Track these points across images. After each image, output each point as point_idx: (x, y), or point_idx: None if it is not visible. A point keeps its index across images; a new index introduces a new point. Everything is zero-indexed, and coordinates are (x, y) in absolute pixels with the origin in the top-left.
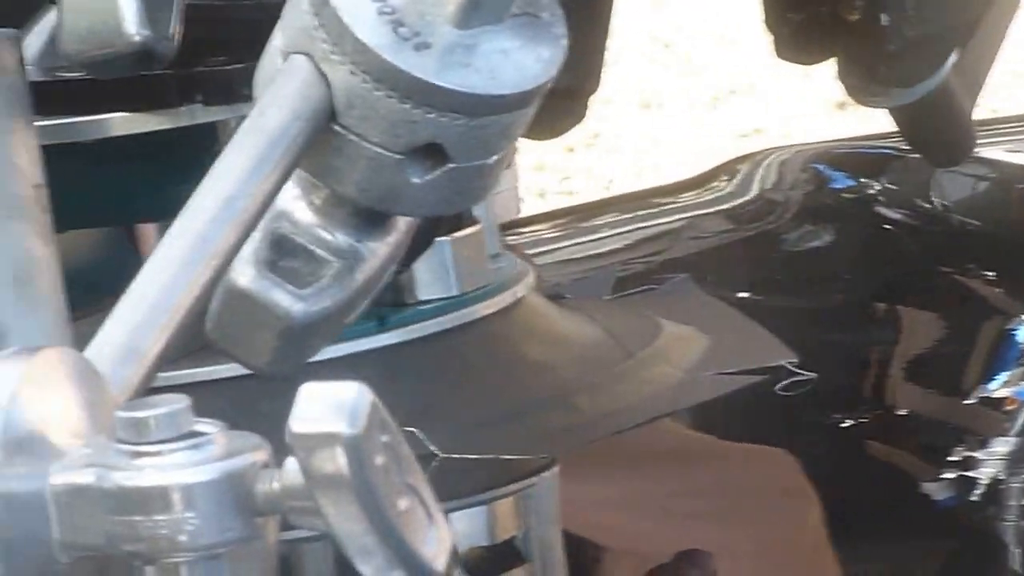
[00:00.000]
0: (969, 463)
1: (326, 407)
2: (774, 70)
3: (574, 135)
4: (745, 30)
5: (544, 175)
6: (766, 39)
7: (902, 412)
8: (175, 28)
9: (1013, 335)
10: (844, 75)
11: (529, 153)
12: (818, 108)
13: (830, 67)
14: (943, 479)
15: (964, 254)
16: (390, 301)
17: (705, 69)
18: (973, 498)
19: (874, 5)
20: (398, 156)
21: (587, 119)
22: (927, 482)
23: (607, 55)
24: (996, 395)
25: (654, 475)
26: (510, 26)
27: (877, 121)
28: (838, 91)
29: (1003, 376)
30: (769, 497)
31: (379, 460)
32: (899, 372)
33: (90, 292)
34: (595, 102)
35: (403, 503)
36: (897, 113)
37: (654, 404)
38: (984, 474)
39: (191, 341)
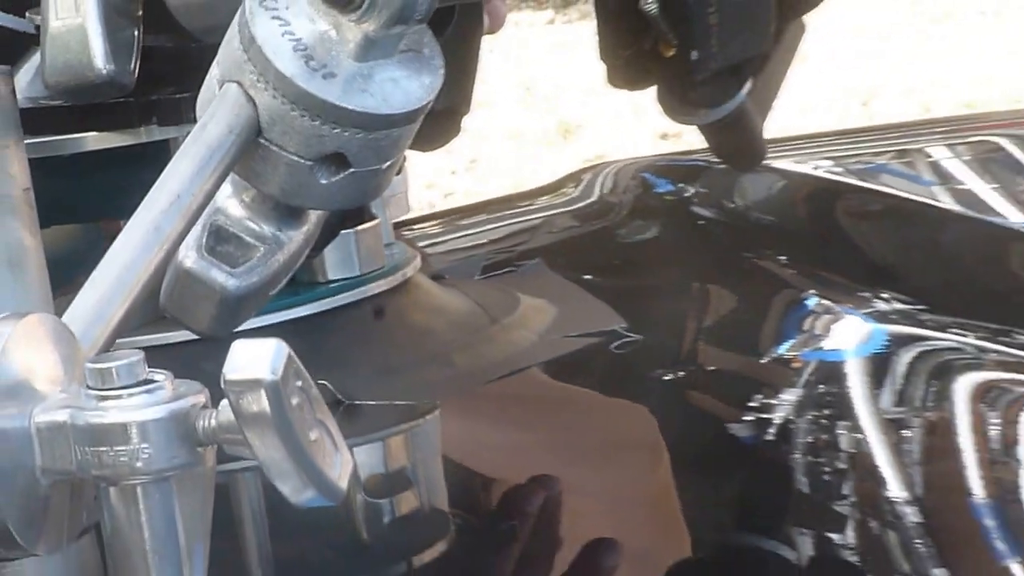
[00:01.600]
0: (765, 409)
1: (252, 358)
2: (613, 109)
3: (456, 160)
4: (591, 77)
5: (432, 191)
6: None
7: (712, 368)
8: (135, 64)
9: (799, 308)
10: (662, 99)
11: (420, 176)
12: (646, 137)
13: (655, 101)
14: (745, 422)
15: (760, 243)
16: (305, 280)
17: (559, 109)
18: (768, 437)
19: (685, 43)
20: (310, 163)
21: (466, 148)
22: (732, 424)
23: (476, 85)
24: (786, 356)
25: (511, 419)
26: (398, 59)
27: (691, 147)
28: (661, 125)
29: (791, 340)
30: (604, 436)
31: (294, 400)
32: (709, 336)
33: (67, 273)
34: (473, 136)
35: (314, 435)
36: (704, 130)
37: (514, 360)
38: (777, 418)
39: (149, 312)
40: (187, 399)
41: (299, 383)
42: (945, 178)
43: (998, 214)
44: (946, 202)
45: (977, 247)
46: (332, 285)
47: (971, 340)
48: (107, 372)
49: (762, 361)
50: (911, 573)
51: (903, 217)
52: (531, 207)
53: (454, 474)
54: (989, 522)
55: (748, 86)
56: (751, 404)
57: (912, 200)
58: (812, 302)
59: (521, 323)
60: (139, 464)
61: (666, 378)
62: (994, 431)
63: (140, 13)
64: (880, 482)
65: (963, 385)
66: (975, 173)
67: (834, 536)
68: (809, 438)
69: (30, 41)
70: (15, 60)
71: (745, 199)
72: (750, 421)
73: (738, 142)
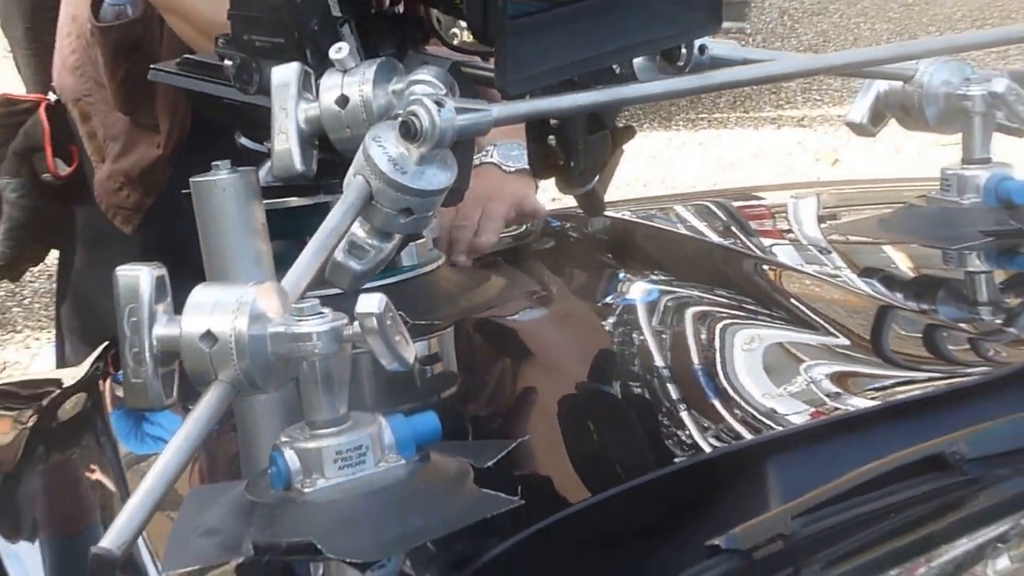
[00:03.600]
0: (602, 326)
1: (368, 302)
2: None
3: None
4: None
5: None
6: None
7: (577, 306)
8: (314, 166)
9: (615, 278)
10: (557, 183)
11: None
12: (546, 200)
13: (554, 184)
14: (591, 332)
15: (599, 249)
16: (392, 265)
17: None
18: (602, 339)
19: (568, 158)
20: (395, 212)
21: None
22: (583, 332)
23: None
24: (609, 301)
25: (488, 329)
26: (435, 163)
27: (568, 204)
28: (554, 194)
29: (612, 294)
30: (531, 337)
31: (388, 322)
32: (575, 292)
33: (281, 263)
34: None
35: (397, 338)
36: (576, 197)
37: (488, 304)
38: (606, 328)
39: (320, 280)
40: (338, 321)
41: (391, 314)
42: (683, 220)
43: (707, 237)
44: (684, 231)
45: (699, 252)
46: (404, 267)
47: (696, 293)
48: (301, 309)
49: (599, 304)
50: (667, 405)
51: (665, 238)
52: None
53: (461, 355)
54: (705, 381)
55: (597, 178)
56: (596, 323)
57: (669, 230)
58: (622, 275)
59: (491, 286)
60: (316, 351)
61: (558, 311)
62: (706, 336)
63: (317, 142)
64: (653, 359)
65: (691, 314)
66: (697, 219)
67: (632, 384)
68: (620, 340)
69: (265, 156)
70: (260, 165)
71: (594, 228)
72: (595, 332)
73: (591, 203)
